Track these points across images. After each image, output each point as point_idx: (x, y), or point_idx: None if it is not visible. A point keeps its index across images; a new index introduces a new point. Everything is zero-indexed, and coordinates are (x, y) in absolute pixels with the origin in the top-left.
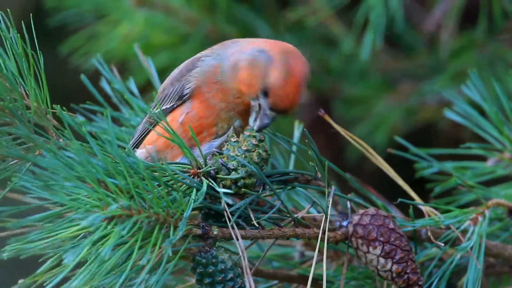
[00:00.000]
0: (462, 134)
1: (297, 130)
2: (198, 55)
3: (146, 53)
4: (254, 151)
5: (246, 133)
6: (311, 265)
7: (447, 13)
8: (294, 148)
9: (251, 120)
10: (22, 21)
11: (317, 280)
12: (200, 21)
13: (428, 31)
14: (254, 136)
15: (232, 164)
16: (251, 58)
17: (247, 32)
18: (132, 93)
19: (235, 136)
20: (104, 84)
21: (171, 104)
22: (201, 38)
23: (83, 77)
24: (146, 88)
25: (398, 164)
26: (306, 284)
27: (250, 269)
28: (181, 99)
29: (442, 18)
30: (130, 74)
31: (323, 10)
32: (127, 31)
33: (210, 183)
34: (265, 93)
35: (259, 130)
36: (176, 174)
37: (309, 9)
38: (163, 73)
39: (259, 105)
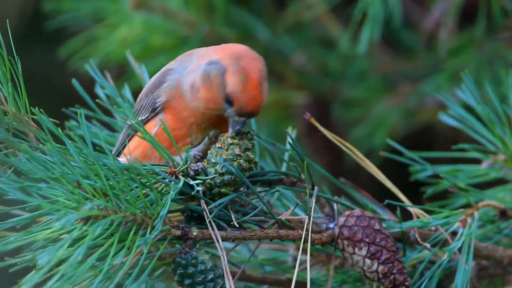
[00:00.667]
0: (461, 134)
1: (289, 136)
2: (168, 66)
3: (144, 56)
4: (235, 161)
5: (230, 140)
6: (303, 270)
7: (446, 12)
8: (286, 155)
9: (230, 130)
10: (20, 26)
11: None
12: (198, 23)
13: (427, 30)
14: (239, 145)
15: (210, 171)
16: (205, 75)
17: (246, 34)
18: (124, 99)
19: (221, 141)
20: (98, 90)
21: (146, 115)
22: (200, 40)
23: (74, 81)
24: None
25: (395, 167)
26: None
27: (236, 273)
28: (154, 111)
29: (441, 17)
30: (129, 77)
31: (319, 6)
32: (125, 34)
33: (186, 180)
34: (229, 102)
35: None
36: (153, 173)
37: (305, 5)
38: None
39: (229, 114)
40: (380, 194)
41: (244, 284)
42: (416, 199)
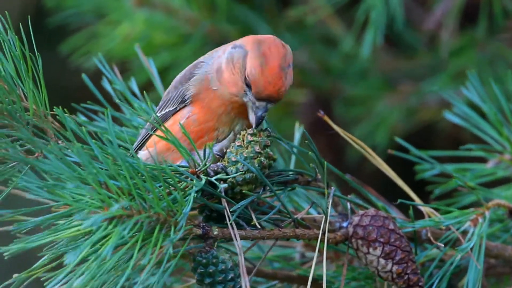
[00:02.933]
0: (463, 134)
1: (298, 131)
2: (200, 58)
3: (146, 53)
4: (255, 158)
5: (250, 138)
6: (311, 266)
7: (448, 12)
8: (294, 149)
9: (250, 118)
10: (22, 22)
11: (317, 281)
12: (200, 21)
13: (428, 30)
14: (258, 142)
15: (231, 170)
16: (229, 57)
17: (247, 32)
18: (133, 93)
19: (240, 140)
20: (105, 84)
21: (174, 106)
22: (202, 38)
23: (84, 76)
24: (148, 88)
25: (399, 165)
26: (306, 285)
27: (251, 270)
28: (183, 102)
29: (442, 17)
30: (131, 74)
31: (323, 9)
32: (127, 31)
33: (209, 179)
34: (248, 85)
35: (257, 125)
36: (177, 172)
37: (309, 7)
38: (164, 73)
39: (249, 99)
40: (383, 191)
41: (253, 279)
42: (420, 197)
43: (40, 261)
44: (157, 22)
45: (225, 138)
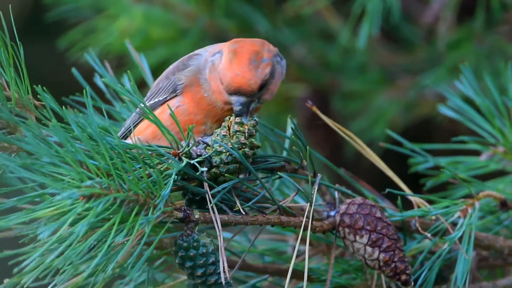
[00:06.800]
0: (460, 127)
1: (289, 125)
2: (194, 52)
3: (144, 48)
4: (240, 149)
5: (236, 127)
6: (303, 260)
7: (445, 5)
8: (287, 143)
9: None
10: (20, 17)
11: (309, 275)
12: (198, 15)
13: (426, 24)
14: (244, 133)
15: (215, 160)
16: (210, 66)
17: (245, 27)
18: (124, 87)
19: (226, 128)
20: (97, 80)
21: (164, 96)
22: (199, 32)
23: (74, 70)
24: (144, 83)
25: (396, 158)
26: (296, 278)
27: (236, 262)
28: (174, 92)
29: (440, 10)
30: (128, 69)
31: (320, 1)
32: (125, 26)
33: (189, 161)
34: (222, 83)
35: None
36: (157, 153)
37: (305, 0)
38: (161, 67)
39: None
40: (380, 185)
41: (244, 274)
42: (416, 191)
43: (30, 264)
44: (154, 16)
45: (212, 134)
